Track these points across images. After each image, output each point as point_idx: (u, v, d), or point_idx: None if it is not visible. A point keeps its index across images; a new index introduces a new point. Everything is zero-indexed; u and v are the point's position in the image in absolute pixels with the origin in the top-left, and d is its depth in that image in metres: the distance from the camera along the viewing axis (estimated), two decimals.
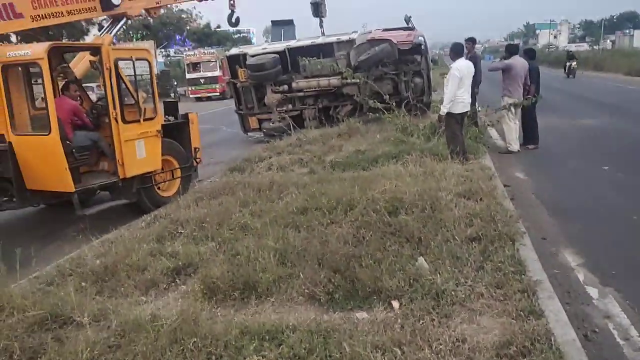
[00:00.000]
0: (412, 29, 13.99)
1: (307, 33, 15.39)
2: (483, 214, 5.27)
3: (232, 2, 11.39)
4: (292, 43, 14.17)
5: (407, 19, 14.37)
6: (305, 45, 13.84)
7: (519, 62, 9.93)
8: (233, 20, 11.80)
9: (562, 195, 7.15)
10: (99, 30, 9.44)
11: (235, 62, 14.31)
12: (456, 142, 8.20)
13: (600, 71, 39.35)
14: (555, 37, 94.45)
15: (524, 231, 5.22)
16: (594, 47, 64.05)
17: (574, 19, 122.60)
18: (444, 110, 8.15)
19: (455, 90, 8.00)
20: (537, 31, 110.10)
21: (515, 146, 9.99)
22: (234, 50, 15.19)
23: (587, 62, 45.36)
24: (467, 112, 8.46)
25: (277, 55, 13.33)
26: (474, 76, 8.66)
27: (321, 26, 15.56)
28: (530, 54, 10.82)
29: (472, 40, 11.59)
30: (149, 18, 10.78)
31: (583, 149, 10.20)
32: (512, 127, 9.99)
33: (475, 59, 9.85)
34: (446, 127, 8.48)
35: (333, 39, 13.78)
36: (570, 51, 39.32)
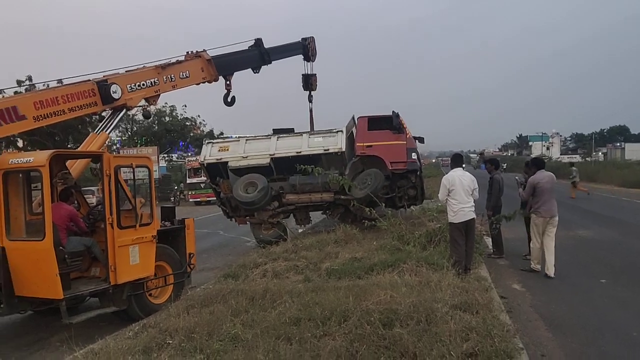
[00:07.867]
0: (401, 131, 13.53)
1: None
2: (479, 328, 5.13)
3: (228, 82, 11.81)
4: (275, 149, 13.41)
5: (395, 116, 13.48)
6: (291, 156, 13.18)
7: (546, 176, 9.12)
8: (229, 99, 12.14)
9: (560, 309, 6.98)
10: (99, 121, 9.44)
11: (214, 171, 13.73)
12: (458, 252, 8.19)
13: (594, 182, 40.11)
14: (548, 148, 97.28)
15: (521, 347, 5.06)
16: (587, 158, 65.77)
17: (565, 132, 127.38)
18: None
19: (442, 197, 8.45)
20: (530, 143, 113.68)
21: (538, 265, 9.13)
22: (210, 157, 13.79)
23: (581, 174, 46.43)
24: (469, 220, 8.30)
25: (267, 183, 12.91)
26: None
27: (310, 100, 15.23)
28: (539, 165, 9.63)
29: (492, 162, 11.11)
30: (148, 108, 11.04)
31: (579, 261, 10.10)
32: (537, 246, 9.12)
33: (492, 181, 10.38)
34: (449, 236, 8.55)
35: (320, 148, 13.15)
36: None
